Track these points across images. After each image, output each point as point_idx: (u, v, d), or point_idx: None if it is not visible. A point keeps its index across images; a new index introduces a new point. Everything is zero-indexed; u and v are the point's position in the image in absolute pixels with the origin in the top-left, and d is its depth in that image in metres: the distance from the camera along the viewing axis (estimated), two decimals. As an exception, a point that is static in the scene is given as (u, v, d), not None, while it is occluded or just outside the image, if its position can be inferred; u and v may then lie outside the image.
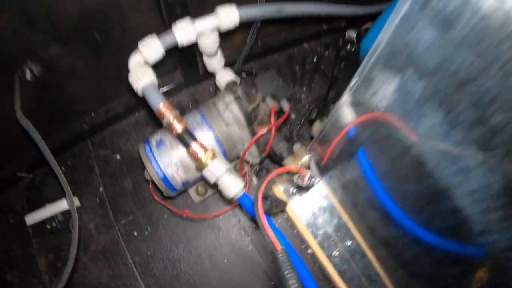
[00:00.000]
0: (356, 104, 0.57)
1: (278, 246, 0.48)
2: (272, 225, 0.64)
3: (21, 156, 0.96)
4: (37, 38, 0.73)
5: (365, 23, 1.00)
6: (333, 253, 0.86)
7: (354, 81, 0.53)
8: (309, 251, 0.89)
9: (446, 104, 0.43)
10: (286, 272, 0.45)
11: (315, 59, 1.09)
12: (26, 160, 0.97)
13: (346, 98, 0.57)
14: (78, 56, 0.81)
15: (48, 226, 0.91)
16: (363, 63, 0.50)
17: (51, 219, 0.91)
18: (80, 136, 0.98)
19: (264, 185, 0.59)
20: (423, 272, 0.74)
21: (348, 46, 0.95)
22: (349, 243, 0.86)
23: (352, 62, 0.94)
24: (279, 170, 0.66)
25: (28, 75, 0.75)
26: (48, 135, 0.94)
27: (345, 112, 0.61)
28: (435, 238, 0.63)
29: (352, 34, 0.92)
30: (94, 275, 0.89)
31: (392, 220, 0.71)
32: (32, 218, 0.92)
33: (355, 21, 1.02)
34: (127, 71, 0.70)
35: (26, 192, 0.99)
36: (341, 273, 0.84)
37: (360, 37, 0.94)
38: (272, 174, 0.63)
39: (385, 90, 0.51)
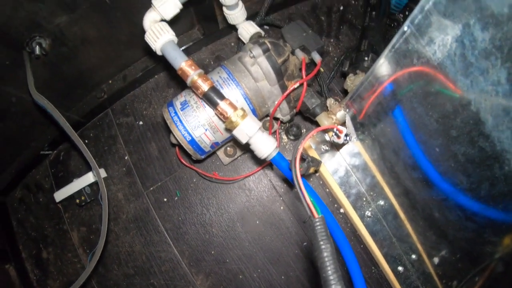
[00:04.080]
0: (406, 53, 0.51)
1: (316, 214, 0.45)
2: (310, 190, 0.61)
3: (43, 134, 0.95)
4: (41, 10, 0.68)
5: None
6: (365, 213, 0.83)
7: (405, 28, 0.47)
8: (341, 210, 0.86)
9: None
10: (321, 243, 0.41)
11: (341, 8, 1.00)
12: (48, 137, 0.95)
13: (392, 48, 0.51)
14: (88, 22, 0.76)
15: (77, 201, 0.90)
16: (416, 9, 0.44)
17: (79, 193, 0.90)
18: (100, 106, 0.95)
19: (301, 147, 0.55)
20: (451, 234, 0.71)
21: (378, -7, 0.87)
22: (382, 202, 0.83)
23: (384, 10, 0.86)
24: (317, 129, 0.61)
25: (37, 50, 0.71)
26: (67, 109, 0.93)
27: (388, 64, 0.55)
28: (470, 201, 0.60)
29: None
30: (127, 244, 0.90)
31: (427, 182, 0.67)
32: (60, 195, 0.91)
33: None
34: (141, 32, 0.65)
35: (52, 169, 0.98)
36: (373, 234, 0.82)
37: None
38: (310, 134, 0.58)
39: (442, 40, 0.45)
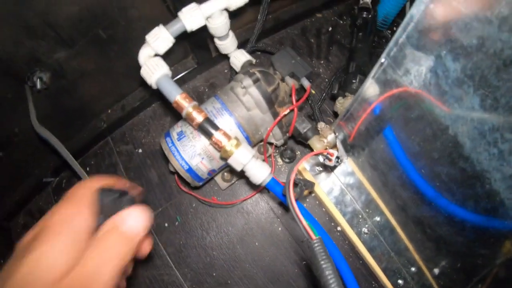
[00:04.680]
0: (385, 82, 0.54)
1: (313, 236, 0.47)
2: (304, 212, 0.63)
3: (45, 162, 0.98)
4: (41, 46, 0.71)
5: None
6: (362, 230, 0.85)
7: (382, 60, 0.50)
8: (338, 228, 0.88)
9: (485, 86, 0.40)
10: (322, 263, 0.43)
11: (329, 29, 1.03)
12: (50, 165, 0.98)
13: (373, 76, 0.54)
14: (86, 57, 0.80)
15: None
16: (391, 42, 0.47)
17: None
18: (100, 135, 0.98)
19: (294, 174, 0.57)
20: (450, 245, 0.72)
21: (364, 13, 0.90)
22: (378, 218, 0.85)
23: (370, 30, 0.89)
24: (307, 156, 0.64)
25: (38, 84, 0.74)
26: (68, 138, 0.95)
27: (372, 89, 0.58)
28: (465, 212, 0.61)
29: (366, -1, 0.86)
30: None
31: (420, 196, 0.69)
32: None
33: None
34: (137, 64, 0.68)
35: (54, 196, 1.01)
36: (370, 250, 0.84)
37: (375, 1, 0.88)
38: (300, 161, 0.60)
39: (417, 70, 0.48)
